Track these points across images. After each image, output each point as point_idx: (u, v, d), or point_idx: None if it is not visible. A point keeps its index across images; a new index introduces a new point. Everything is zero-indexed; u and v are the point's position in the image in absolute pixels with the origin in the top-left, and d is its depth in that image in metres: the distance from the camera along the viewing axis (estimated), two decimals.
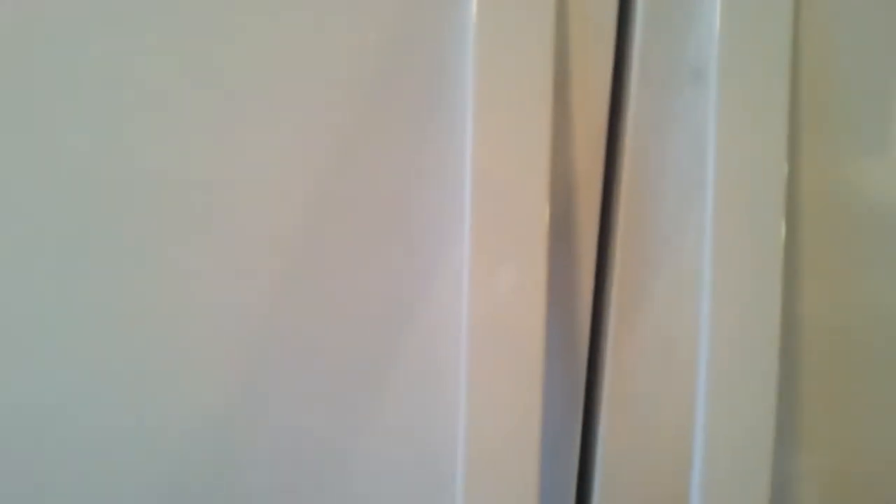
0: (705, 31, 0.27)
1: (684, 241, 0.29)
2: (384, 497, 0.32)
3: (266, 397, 0.31)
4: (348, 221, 0.29)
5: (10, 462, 0.31)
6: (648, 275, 0.30)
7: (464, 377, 0.27)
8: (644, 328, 0.30)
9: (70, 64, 0.27)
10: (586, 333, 0.31)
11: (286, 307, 0.30)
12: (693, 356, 0.28)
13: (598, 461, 0.32)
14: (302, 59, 0.27)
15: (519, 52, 0.26)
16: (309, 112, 0.28)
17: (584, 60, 0.28)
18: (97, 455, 0.31)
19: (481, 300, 0.27)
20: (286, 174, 0.29)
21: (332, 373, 0.31)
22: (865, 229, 0.30)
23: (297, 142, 0.28)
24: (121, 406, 0.30)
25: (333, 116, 0.28)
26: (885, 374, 0.32)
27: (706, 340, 0.27)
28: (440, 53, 0.27)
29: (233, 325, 0.30)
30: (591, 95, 0.28)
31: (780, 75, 0.26)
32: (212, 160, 0.28)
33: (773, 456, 0.28)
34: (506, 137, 0.26)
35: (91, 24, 0.27)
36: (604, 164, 0.29)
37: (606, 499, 0.32)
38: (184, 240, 0.29)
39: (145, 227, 0.29)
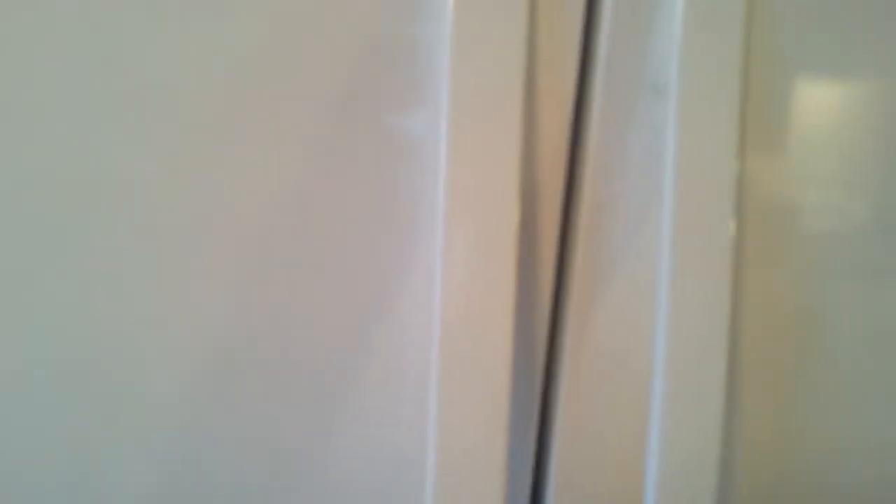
0: (665, 49, 0.29)
1: (642, 246, 0.31)
2: (355, 497, 0.32)
3: (235, 400, 0.30)
4: (318, 224, 0.29)
5: None
6: (607, 279, 0.31)
7: (434, 377, 0.27)
8: (602, 330, 0.32)
9: (55, 68, 0.27)
10: (545, 335, 0.32)
11: (254, 310, 0.30)
12: (648, 356, 0.30)
13: (553, 460, 0.33)
14: (276, 61, 0.28)
15: (492, 62, 0.27)
16: (280, 115, 0.28)
17: (550, 74, 0.29)
18: (67, 456, 0.30)
19: (452, 302, 0.27)
20: (256, 176, 0.28)
21: (301, 376, 0.30)
22: (804, 234, 0.32)
23: (267, 144, 0.28)
24: (93, 403, 0.30)
25: (304, 120, 0.28)
26: (820, 373, 0.34)
27: (662, 341, 0.29)
28: (416, 61, 0.28)
29: (202, 328, 0.29)
30: (555, 107, 0.29)
31: (734, 91, 0.28)
32: (182, 163, 0.28)
33: (721, 453, 0.30)
34: (478, 142, 0.27)
35: (74, 30, 0.26)
36: (566, 173, 0.30)
37: (561, 495, 0.33)
38: (152, 243, 0.28)
39: (114, 231, 0.28)
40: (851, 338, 0.34)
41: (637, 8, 0.29)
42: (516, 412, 0.32)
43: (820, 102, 0.31)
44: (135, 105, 0.27)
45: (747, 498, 0.35)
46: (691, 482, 0.30)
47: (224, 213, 0.29)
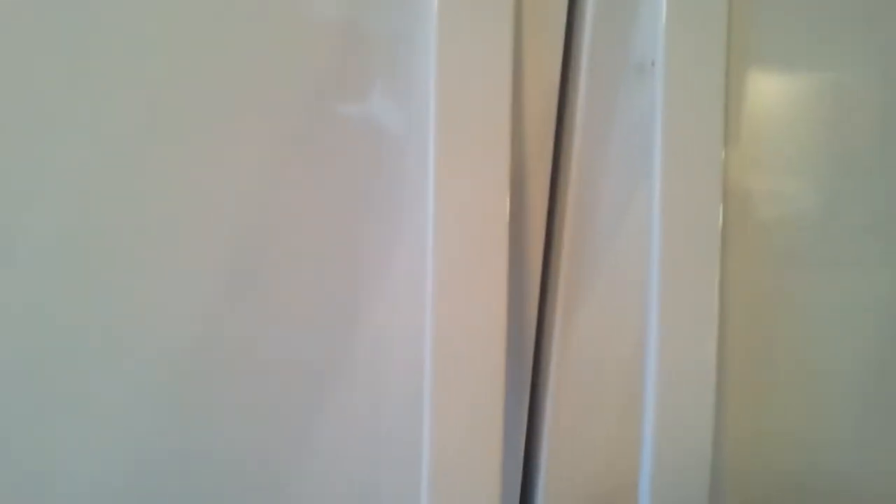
0: (649, 29, 0.28)
1: (630, 227, 0.30)
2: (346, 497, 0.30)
3: (223, 400, 0.29)
4: (305, 223, 0.28)
5: None
6: (595, 263, 0.30)
7: (428, 375, 0.26)
8: (590, 315, 0.31)
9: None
10: (533, 324, 0.31)
11: (243, 310, 0.28)
12: (639, 339, 0.29)
13: (542, 456, 0.32)
14: (260, 59, 0.26)
15: (479, 45, 0.26)
16: (266, 111, 0.27)
17: (536, 56, 0.28)
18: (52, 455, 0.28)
19: (444, 296, 0.26)
20: (242, 175, 0.27)
21: (291, 377, 0.29)
22: (785, 223, 0.32)
23: (253, 142, 0.27)
24: (79, 402, 0.28)
25: (288, 116, 0.27)
26: (788, 359, 0.34)
27: (653, 322, 0.28)
28: (401, 46, 0.27)
29: (189, 328, 0.28)
30: (541, 89, 0.29)
31: (720, 68, 0.28)
32: (166, 165, 0.27)
33: (714, 441, 0.29)
34: (466, 129, 0.26)
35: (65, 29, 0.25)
36: (552, 156, 0.29)
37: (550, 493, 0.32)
38: (140, 242, 0.27)
39: (102, 229, 0.27)
40: (818, 325, 0.34)
41: None
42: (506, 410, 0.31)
43: (792, 91, 0.32)
44: (117, 104, 0.26)
45: (734, 489, 0.34)
46: (685, 466, 0.29)
47: (210, 213, 0.27)
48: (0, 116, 0.25)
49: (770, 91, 0.31)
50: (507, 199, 0.26)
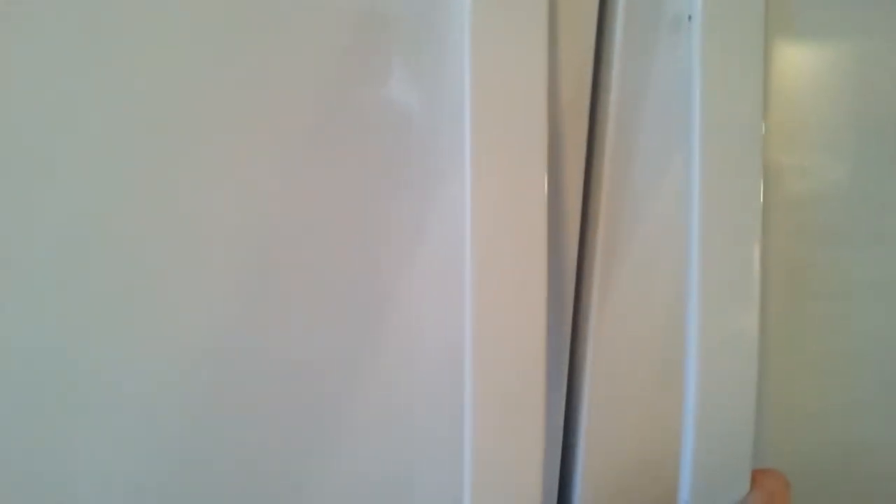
0: None
1: (667, 185, 0.30)
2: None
3: (244, 399, 0.30)
4: (335, 215, 0.28)
5: None
6: (633, 227, 0.30)
7: (468, 345, 0.26)
8: (628, 281, 0.31)
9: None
10: (571, 293, 0.31)
11: (264, 303, 0.29)
12: (677, 308, 0.29)
13: (581, 422, 0.32)
14: (286, 48, 0.27)
15: (513, 13, 0.26)
16: (291, 94, 0.27)
17: (571, 15, 0.28)
18: (68, 457, 0.29)
19: (483, 280, 0.26)
20: (266, 161, 0.27)
21: (313, 375, 0.30)
22: (818, 198, 0.32)
23: (271, 132, 0.27)
24: (92, 403, 0.28)
25: (312, 107, 0.27)
26: (799, 334, 0.34)
27: (695, 277, 0.28)
28: (434, 18, 0.27)
29: (207, 326, 0.28)
30: (576, 45, 0.28)
31: (757, 23, 0.27)
32: (192, 157, 0.27)
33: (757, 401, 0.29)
34: (503, 88, 0.26)
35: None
36: (589, 111, 0.29)
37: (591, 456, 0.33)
38: (158, 239, 0.27)
39: (116, 229, 0.27)
40: (829, 303, 0.34)
41: None
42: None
43: (826, 62, 0.31)
44: (128, 104, 0.26)
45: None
46: (728, 439, 0.29)
47: (235, 210, 0.28)
48: (11, 116, 0.26)
49: (802, 62, 0.31)
50: (545, 173, 0.26)
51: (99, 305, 0.27)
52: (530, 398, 0.27)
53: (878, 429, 0.36)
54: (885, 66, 0.32)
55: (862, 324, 0.34)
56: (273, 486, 0.31)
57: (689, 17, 0.28)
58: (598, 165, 0.30)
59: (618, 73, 0.29)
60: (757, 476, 0.29)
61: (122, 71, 0.26)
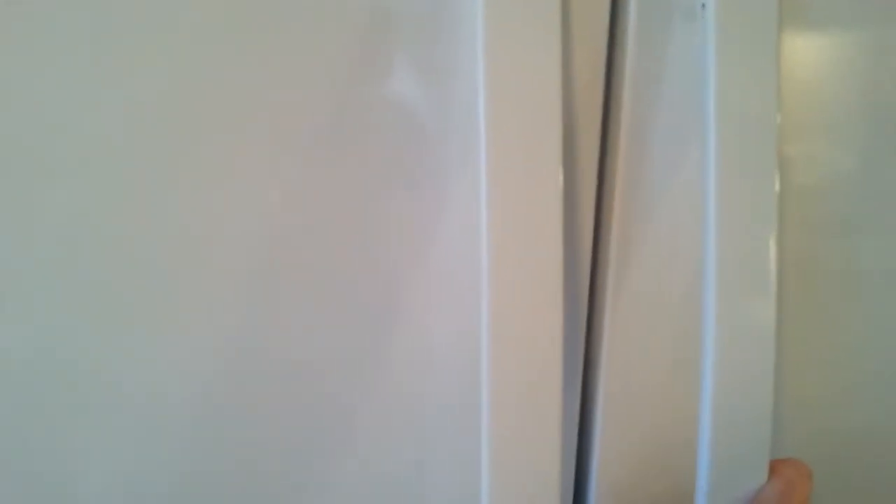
0: None
1: (683, 175, 0.30)
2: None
3: (253, 400, 0.30)
4: (345, 207, 0.28)
5: None
6: (649, 209, 0.30)
7: (485, 322, 0.26)
8: (645, 265, 0.31)
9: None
10: (587, 278, 0.31)
11: (274, 301, 0.29)
12: (695, 286, 0.29)
13: (598, 396, 0.32)
14: (295, 47, 0.27)
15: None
16: (300, 94, 0.27)
17: (584, 4, 0.28)
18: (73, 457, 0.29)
19: (499, 267, 0.26)
20: (278, 158, 0.27)
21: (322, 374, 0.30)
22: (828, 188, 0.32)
23: (295, 131, 0.27)
24: (100, 403, 0.29)
25: (320, 103, 0.27)
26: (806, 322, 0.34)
27: (711, 269, 0.28)
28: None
29: (217, 326, 0.29)
30: (590, 31, 0.28)
31: (771, 12, 0.27)
32: (200, 158, 0.27)
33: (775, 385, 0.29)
34: (516, 76, 0.26)
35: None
36: (602, 102, 0.29)
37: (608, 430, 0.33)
38: (164, 239, 0.27)
39: (127, 231, 0.27)
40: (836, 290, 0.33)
41: None
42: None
43: (836, 52, 0.31)
44: (129, 104, 0.26)
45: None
46: (746, 416, 0.29)
47: (234, 204, 0.28)
48: (12, 116, 0.26)
49: (812, 51, 0.31)
50: (560, 167, 0.26)
51: (100, 305, 0.27)
52: (547, 394, 0.27)
53: (893, 416, 0.36)
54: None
55: (871, 314, 0.34)
56: (277, 486, 0.31)
57: (703, 5, 0.27)
58: (613, 157, 0.30)
59: (631, 63, 0.29)
60: (776, 466, 0.29)
61: (124, 71, 0.26)
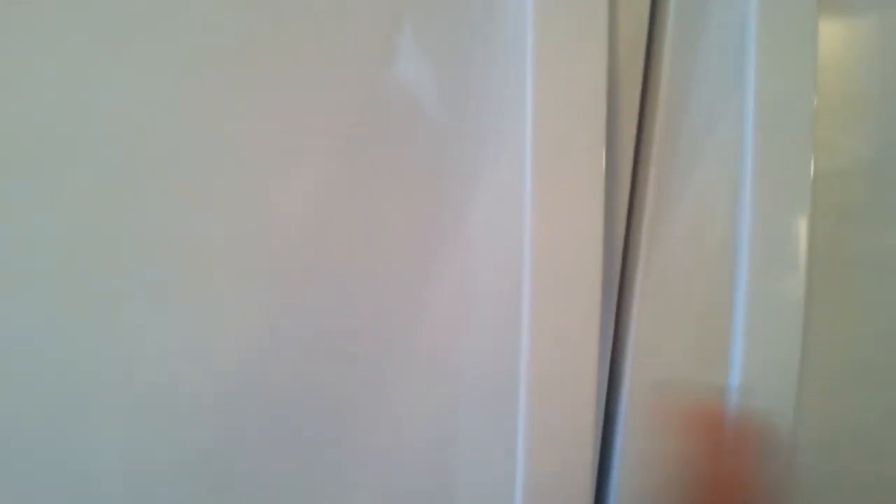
0: None
1: (718, 142, 0.30)
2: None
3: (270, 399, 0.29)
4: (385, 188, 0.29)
5: None
6: (686, 165, 0.30)
7: (526, 284, 0.26)
8: (680, 219, 0.31)
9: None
10: (622, 237, 0.32)
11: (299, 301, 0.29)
12: (725, 255, 0.30)
13: (627, 361, 0.32)
14: (327, 41, 0.27)
15: None
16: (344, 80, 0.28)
17: None
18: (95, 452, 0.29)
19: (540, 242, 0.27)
20: (305, 156, 0.28)
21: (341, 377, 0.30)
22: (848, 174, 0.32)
23: (329, 128, 0.28)
24: (120, 401, 0.28)
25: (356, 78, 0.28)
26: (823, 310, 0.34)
27: (745, 245, 0.28)
28: None
29: (234, 329, 0.29)
30: (632, 8, 0.29)
31: None
32: (244, 154, 0.27)
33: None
34: (563, 48, 0.26)
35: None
36: (643, 69, 0.30)
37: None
38: (169, 239, 0.28)
39: (146, 238, 0.27)
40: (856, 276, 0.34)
41: None
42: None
43: (861, 38, 0.31)
44: (135, 104, 0.26)
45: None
46: (773, 381, 0.29)
47: (262, 200, 0.28)
48: (14, 116, 0.26)
49: (839, 37, 0.31)
50: (604, 125, 0.27)
51: (102, 306, 0.27)
52: (583, 373, 0.27)
53: None
54: None
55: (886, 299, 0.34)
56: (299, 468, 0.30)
57: None
58: (651, 116, 0.30)
59: (672, 27, 0.29)
60: None
61: (132, 72, 0.26)
